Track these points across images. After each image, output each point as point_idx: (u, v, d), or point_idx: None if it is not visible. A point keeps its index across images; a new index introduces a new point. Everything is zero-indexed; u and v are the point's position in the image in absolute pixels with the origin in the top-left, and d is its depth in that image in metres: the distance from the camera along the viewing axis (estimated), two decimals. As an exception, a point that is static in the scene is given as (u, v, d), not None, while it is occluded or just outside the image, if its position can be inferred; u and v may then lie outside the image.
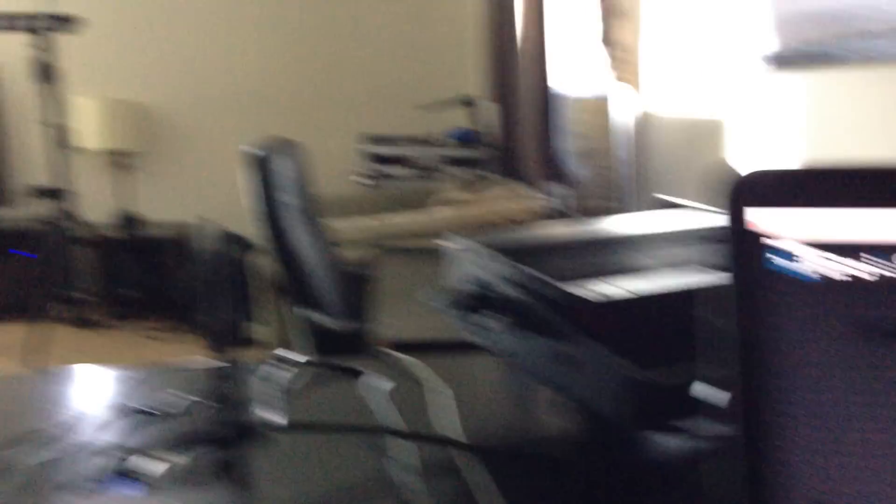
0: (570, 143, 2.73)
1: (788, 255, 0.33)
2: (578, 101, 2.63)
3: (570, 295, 0.60)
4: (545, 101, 2.89)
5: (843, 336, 0.33)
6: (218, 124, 4.00)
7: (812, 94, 1.42)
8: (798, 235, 0.33)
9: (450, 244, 0.76)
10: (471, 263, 0.72)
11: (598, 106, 2.31)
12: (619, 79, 2.20)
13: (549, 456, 0.65)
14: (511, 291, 0.67)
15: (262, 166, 1.99)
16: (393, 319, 1.27)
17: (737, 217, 0.34)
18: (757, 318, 0.34)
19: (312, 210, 1.96)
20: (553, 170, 2.79)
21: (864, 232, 0.33)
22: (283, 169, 1.96)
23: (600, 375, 0.58)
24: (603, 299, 0.58)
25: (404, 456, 0.62)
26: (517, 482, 0.60)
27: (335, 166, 4.08)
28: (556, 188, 2.68)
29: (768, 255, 0.34)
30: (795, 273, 0.33)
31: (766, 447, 0.33)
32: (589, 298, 0.59)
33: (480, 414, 0.72)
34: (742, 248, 0.34)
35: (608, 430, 0.63)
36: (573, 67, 2.71)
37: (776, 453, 0.33)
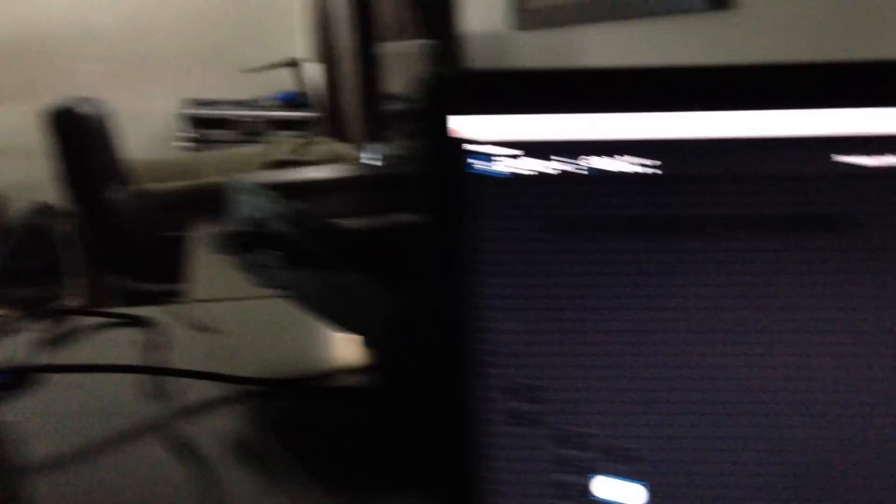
0: (392, 103, 2.75)
1: (488, 158, 0.36)
2: (398, 58, 2.65)
3: (336, 226, 0.62)
4: (369, 60, 2.89)
5: (542, 232, 0.35)
6: (29, 84, 3.71)
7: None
8: (498, 138, 0.36)
9: (228, 186, 0.75)
10: (246, 203, 0.72)
11: (414, 63, 2.34)
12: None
13: (334, 387, 0.67)
14: (284, 228, 0.68)
15: (67, 128, 1.88)
16: (207, 280, 1.25)
17: (437, 123, 0.36)
18: (457, 222, 0.36)
19: (123, 173, 1.88)
20: (378, 130, 2.80)
21: (558, 133, 0.36)
22: (89, 130, 1.86)
23: (367, 303, 0.60)
24: (366, 227, 0.61)
25: (179, 395, 0.62)
26: (303, 415, 0.62)
27: (158, 130, 3.90)
28: (381, 147, 2.70)
29: (469, 159, 0.36)
30: (494, 174, 0.36)
31: (467, 340, 0.35)
32: (353, 228, 0.61)
33: (278, 355, 0.73)
34: (443, 154, 0.36)
35: (383, 356, 0.65)
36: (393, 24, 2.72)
37: (479, 345, 0.35)
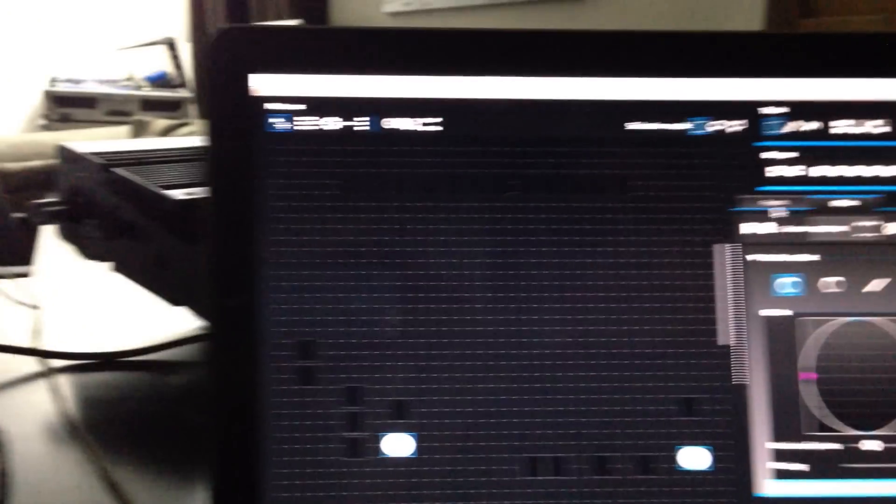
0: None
1: (283, 116, 0.36)
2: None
3: (159, 195, 0.60)
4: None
5: (331, 191, 0.36)
6: None
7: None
8: (294, 95, 0.36)
9: (58, 154, 0.72)
10: (72, 172, 0.69)
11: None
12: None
13: (157, 361, 0.65)
14: (109, 197, 0.66)
15: None
16: (43, 255, 1.19)
17: (236, 81, 0.36)
18: (250, 180, 0.36)
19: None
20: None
21: (352, 91, 0.36)
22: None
23: (192, 275, 0.59)
24: (192, 198, 0.59)
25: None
26: (124, 388, 0.60)
27: (22, 109, 3.70)
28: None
29: (267, 118, 0.36)
30: (288, 132, 0.36)
31: (254, 298, 0.35)
32: (179, 199, 0.59)
33: (101, 329, 0.71)
34: (241, 112, 0.36)
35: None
36: None
37: (265, 304, 0.35)
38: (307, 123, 0.36)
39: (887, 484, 0.34)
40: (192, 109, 3.16)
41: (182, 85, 3.43)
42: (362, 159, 0.35)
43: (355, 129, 0.35)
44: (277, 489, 0.34)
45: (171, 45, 3.42)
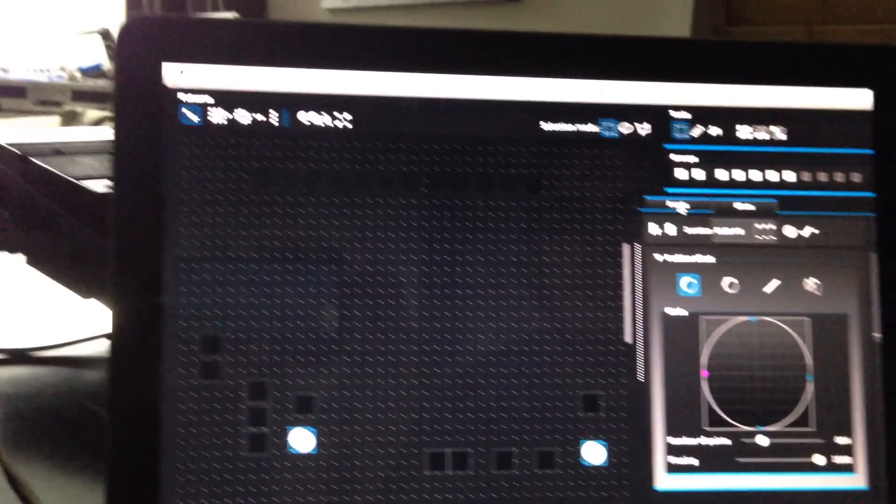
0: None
1: (195, 108, 0.35)
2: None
3: (77, 187, 0.59)
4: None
5: (239, 184, 0.35)
6: None
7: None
8: (208, 87, 0.35)
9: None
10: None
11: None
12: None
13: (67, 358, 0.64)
14: (25, 189, 0.64)
15: None
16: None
17: (150, 72, 0.35)
18: (158, 172, 0.35)
19: None
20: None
21: (265, 85, 0.35)
22: None
23: (103, 267, 0.58)
24: (105, 191, 0.58)
25: None
26: (38, 384, 0.58)
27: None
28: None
29: (183, 110, 0.35)
30: (199, 125, 0.35)
31: (158, 292, 0.35)
32: (94, 190, 0.58)
33: (12, 322, 0.68)
34: (156, 104, 0.35)
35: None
36: None
37: (170, 297, 0.34)
38: (220, 116, 0.35)
39: (776, 478, 0.35)
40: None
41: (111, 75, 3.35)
42: (273, 154, 0.35)
43: (267, 122, 0.35)
44: (177, 484, 0.33)
45: (106, 35, 3.33)
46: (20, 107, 3.41)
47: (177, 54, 0.35)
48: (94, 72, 3.62)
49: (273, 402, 0.34)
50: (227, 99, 0.35)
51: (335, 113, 0.36)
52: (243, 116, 0.35)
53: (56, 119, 2.77)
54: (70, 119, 2.64)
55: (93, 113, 2.70)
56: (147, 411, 0.34)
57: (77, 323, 0.67)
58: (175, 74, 0.35)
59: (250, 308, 0.34)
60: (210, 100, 0.35)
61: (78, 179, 0.59)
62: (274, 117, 0.35)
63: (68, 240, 0.60)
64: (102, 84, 3.50)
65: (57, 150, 0.67)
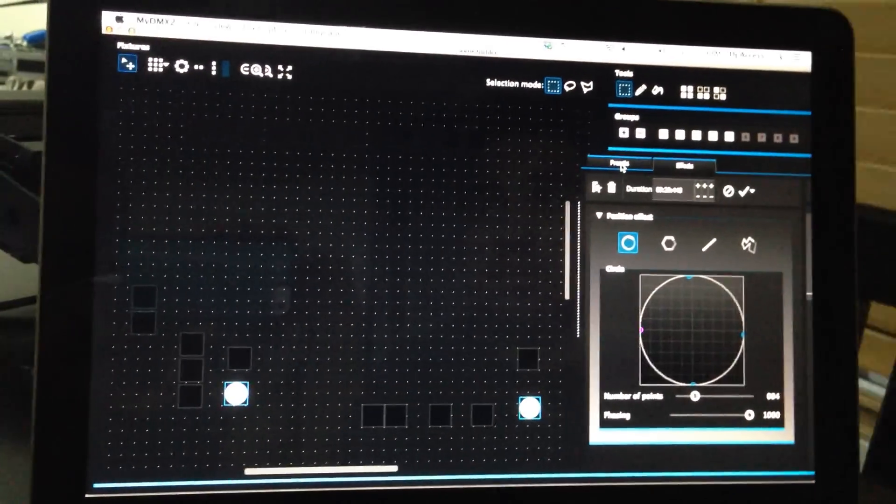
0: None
1: (135, 57, 0.34)
2: None
3: (11, 145, 0.57)
4: None
5: (177, 134, 0.34)
6: None
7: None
8: (149, 35, 0.34)
9: None
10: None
11: None
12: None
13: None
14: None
15: None
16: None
17: (88, 18, 0.34)
18: (96, 121, 0.34)
19: None
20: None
21: (214, 35, 0.34)
22: None
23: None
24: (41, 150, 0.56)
25: None
26: None
27: None
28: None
29: (122, 59, 0.34)
30: (138, 73, 0.34)
31: (92, 244, 0.34)
32: (29, 149, 0.56)
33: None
34: (93, 52, 0.34)
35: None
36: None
37: (104, 249, 0.33)
38: (158, 65, 0.34)
39: (707, 433, 0.36)
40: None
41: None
42: (212, 104, 0.34)
43: (207, 72, 0.34)
44: (108, 439, 0.33)
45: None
46: (-37, 76, 3.31)
47: (116, 1, 0.34)
48: (40, 40, 3.53)
49: (206, 354, 0.34)
50: (166, 48, 0.34)
51: (277, 65, 0.35)
52: (182, 66, 0.34)
53: (2, 89, 2.68)
54: (17, 86, 2.57)
55: (41, 82, 2.62)
56: (76, 365, 0.33)
57: (11, 285, 0.65)
58: (113, 21, 0.34)
59: (185, 259, 0.34)
60: (148, 48, 0.34)
61: (13, 138, 0.58)
62: (214, 68, 0.35)
63: (3, 200, 0.58)
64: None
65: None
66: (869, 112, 1.14)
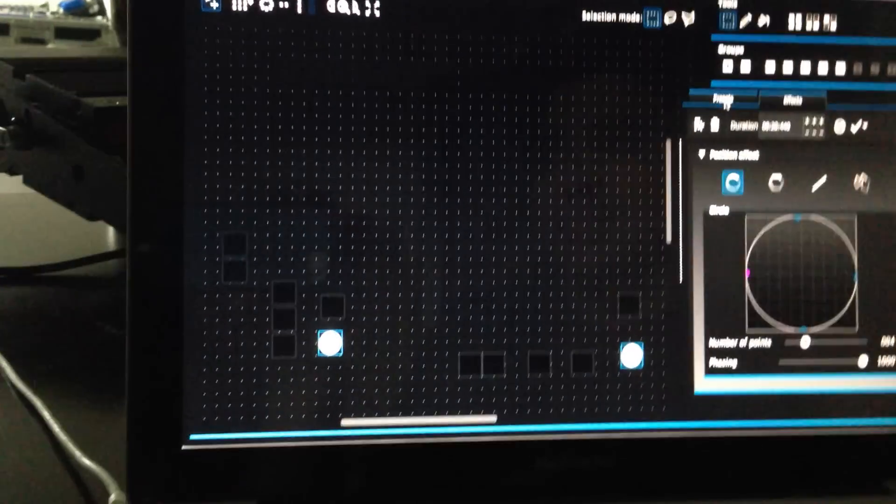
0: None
1: None
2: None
3: (76, 101, 0.56)
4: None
5: (263, 76, 0.33)
6: None
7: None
8: None
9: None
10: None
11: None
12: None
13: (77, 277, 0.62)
14: (21, 106, 0.61)
15: None
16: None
17: None
18: (180, 62, 0.33)
19: None
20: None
21: None
22: None
23: (111, 186, 0.56)
24: (105, 105, 0.56)
25: None
26: (41, 305, 0.56)
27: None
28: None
29: None
30: (224, 13, 0.33)
31: (181, 188, 0.33)
32: (97, 106, 0.56)
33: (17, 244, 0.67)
34: None
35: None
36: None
37: (194, 195, 0.33)
38: (243, 3, 0.33)
39: (819, 380, 0.34)
40: (110, 39, 3.02)
41: (101, 13, 3.27)
42: (298, 43, 0.33)
43: (293, 10, 0.33)
44: (201, 390, 0.32)
45: (88, -29, 3.24)
46: (3, 45, 3.34)
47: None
48: (77, 9, 3.53)
49: (299, 303, 0.33)
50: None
51: (365, 1, 0.33)
52: (267, 4, 0.33)
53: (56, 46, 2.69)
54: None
55: (75, 47, 2.63)
56: (168, 316, 0.32)
57: (81, 244, 0.65)
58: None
59: (275, 205, 0.33)
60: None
61: (77, 94, 0.57)
62: (300, 4, 0.33)
63: (68, 158, 0.58)
64: (85, 21, 3.41)
65: (55, 66, 0.65)
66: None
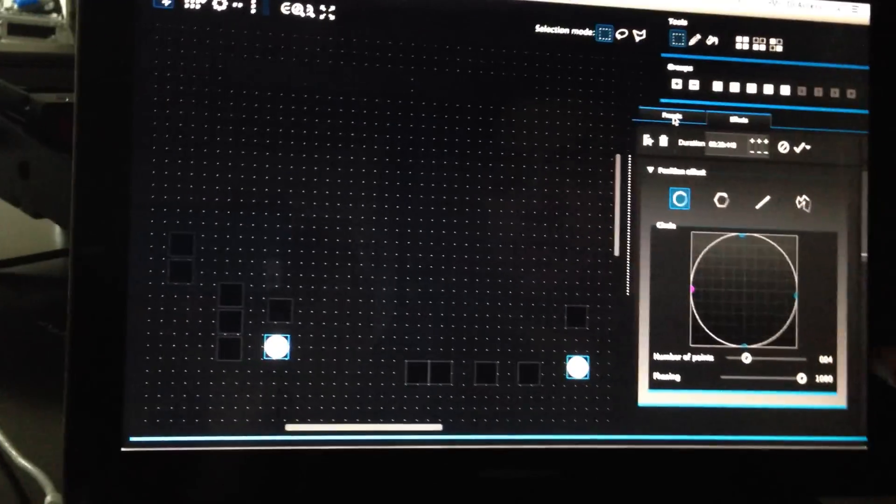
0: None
1: None
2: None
3: (23, 97, 0.55)
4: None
5: (214, 75, 0.32)
6: None
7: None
8: None
9: None
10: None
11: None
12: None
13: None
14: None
15: None
16: None
17: None
18: (129, 60, 0.32)
19: None
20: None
21: None
22: None
23: (53, 183, 0.55)
24: (54, 101, 0.55)
25: None
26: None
27: None
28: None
29: None
30: (179, 11, 0.32)
31: (127, 188, 0.32)
32: (41, 101, 0.55)
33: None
34: None
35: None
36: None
37: (139, 194, 0.32)
38: (196, 2, 0.33)
39: (758, 396, 0.35)
40: (65, 36, 2.97)
41: (56, 10, 3.21)
42: (251, 44, 0.33)
43: (246, 10, 0.33)
44: (143, 391, 0.31)
45: (45, -34, 3.18)
46: (-48, 39, 3.25)
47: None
48: (31, 6, 3.47)
49: (247, 305, 0.32)
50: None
51: (320, 5, 0.33)
52: (221, 3, 0.33)
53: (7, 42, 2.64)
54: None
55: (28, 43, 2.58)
56: (111, 316, 0.31)
57: (25, 241, 0.63)
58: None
59: (223, 206, 0.32)
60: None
61: (25, 90, 0.56)
62: (254, 5, 0.33)
63: (14, 155, 0.56)
64: (39, 19, 3.35)
65: (4, 61, 0.63)
66: None
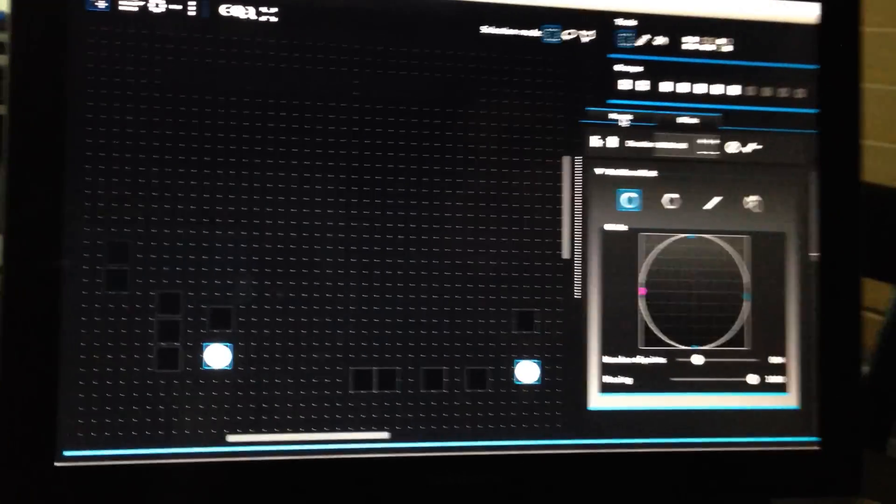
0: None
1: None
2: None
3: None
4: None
5: (152, 81, 0.32)
6: None
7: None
8: None
9: None
10: None
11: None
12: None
13: None
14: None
15: None
16: None
17: None
18: (67, 67, 0.31)
19: None
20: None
21: None
22: None
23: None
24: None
25: None
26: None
27: None
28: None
29: None
30: (115, 13, 0.32)
31: (60, 196, 0.31)
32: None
33: None
34: None
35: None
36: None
37: (74, 202, 0.31)
38: (132, 3, 0.32)
39: (710, 398, 0.35)
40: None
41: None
42: (189, 47, 0.32)
43: (184, 12, 0.32)
44: (77, 403, 0.31)
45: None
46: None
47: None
48: None
49: (186, 314, 0.31)
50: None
51: (261, 7, 0.33)
52: (158, 5, 0.32)
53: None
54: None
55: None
56: (44, 326, 0.31)
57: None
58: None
59: (161, 213, 0.31)
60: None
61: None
62: (192, 7, 0.32)
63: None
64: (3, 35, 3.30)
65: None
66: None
